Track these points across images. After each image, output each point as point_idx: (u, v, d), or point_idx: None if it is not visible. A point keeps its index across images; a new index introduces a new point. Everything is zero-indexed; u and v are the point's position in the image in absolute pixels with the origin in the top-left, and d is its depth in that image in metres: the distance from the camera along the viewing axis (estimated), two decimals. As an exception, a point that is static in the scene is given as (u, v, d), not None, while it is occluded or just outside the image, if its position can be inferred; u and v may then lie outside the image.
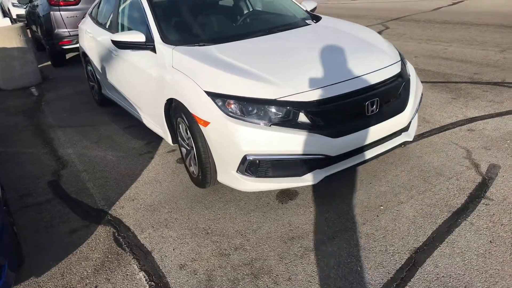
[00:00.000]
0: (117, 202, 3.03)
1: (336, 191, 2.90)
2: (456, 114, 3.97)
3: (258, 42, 3.15)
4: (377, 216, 2.60)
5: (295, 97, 2.52)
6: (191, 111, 2.75)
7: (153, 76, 3.23)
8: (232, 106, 2.56)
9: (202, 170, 2.87)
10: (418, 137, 3.57)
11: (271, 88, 2.55)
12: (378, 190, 2.87)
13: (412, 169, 3.09)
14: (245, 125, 2.50)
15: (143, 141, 4.09)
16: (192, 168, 3.13)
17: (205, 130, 2.67)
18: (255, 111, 2.53)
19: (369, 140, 2.71)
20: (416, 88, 3.05)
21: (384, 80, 2.77)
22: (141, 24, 3.57)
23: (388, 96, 2.80)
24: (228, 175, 2.68)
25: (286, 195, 2.92)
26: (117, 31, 4.06)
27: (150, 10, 3.44)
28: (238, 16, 4.04)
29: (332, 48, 3.01)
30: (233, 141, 2.52)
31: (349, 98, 2.60)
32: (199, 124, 2.70)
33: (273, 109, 2.52)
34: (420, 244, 2.31)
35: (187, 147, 3.12)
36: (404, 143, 3.00)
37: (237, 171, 2.61)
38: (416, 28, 8.50)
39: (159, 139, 4.03)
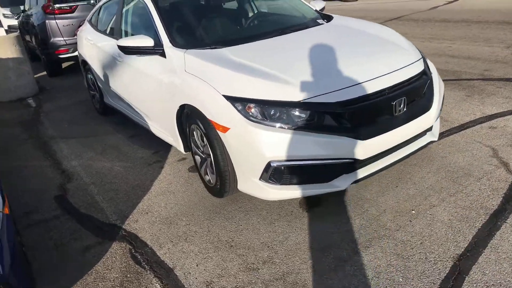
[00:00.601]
0: (130, 216, 2.86)
1: (361, 196, 2.76)
2: (474, 112, 3.85)
3: (272, 43, 3.01)
4: (410, 221, 2.45)
5: (320, 99, 2.37)
6: (208, 116, 2.59)
7: (163, 81, 3.08)
8: (253, 110, 2.41)
9: (221, 179, 2.71)
10: (439, 136, 3.43)
11: (294, 90, 2.40)
12: (406, 194, 2.73)
13: (438, 170, 2.95)
14: (268, 129, 2.35)
15: (150, 150, 3.93)
16: (208, 177, 2.97)
17: (224, 137, 2.51)
18: (278, 114, 2.39)
19: (397, 141, 2.58)
20: (439, 86, 2.93)
21: (409, 78, 2.64)
22: (147, 29, 3.42)
23: (414, 95, 2.67)
24: (250, 183, 2.52)
25: (309, 202, 2.77)
26: (121, 37, 3.90)
27: (158, 13, 3.28)
28: (245, 17, 3.91)
29: (352, 47, 2.88)
30: (256, 147, 2.37)
31: (376, 98, 2.46)
32: (218, 130, 2.54)
33: (297, 112, 2.38)
34: (462, 250, 2.16)
35: (202, 155, 2.96)
36: (430, 143, 2.87)
37: (260, 179, 2.46)
38: (416, 28, 8.43)
39: (167, 147, 3.87)
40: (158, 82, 3.16)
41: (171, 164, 3.58)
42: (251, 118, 2.40)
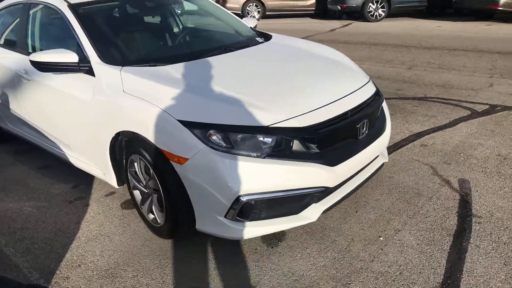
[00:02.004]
0: (57, 272, 2.31)
1: (323, 224, 2.61)
2: (403, 130, 4.01)
3: (219, 62, 2.74)
4: (382, 249, 2.36)
5: (289, 123, 2.17)
6: (158, 145, 2.22)
7: (91, 104, 2.60)
8: (215, 137, 2.11)
9: (173, 218, 2.34)
10: (381, 156, 3.48)
11: (260, 113, 2.17)
12: (368, 219, 2.65)
13: (390, 191, 2.95)
14: (236, 159, 2.07)
15: (68, 184, 3.33)
16: (152, 216, 2.55)
17: (181, 169, 2.16)
18: (244, 141, 2.12)
19: (361, 165, 2.49)
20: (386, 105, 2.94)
21: (367, 99, 2.58)
22: (66, 42, 2.90)
23: (373, 116, 2.62)
24: (213, 222, 2.20)
25: (272, 236, 2.53)
26: (27, 51, 3.27)
27: (80, 24, 2.80)
28: (175, 32, 3.57)
29: (306, 68, 2.75)
30: (222, 180, 2.07)
31: (342, 121, 2.34)
32: (172, 162, 2.18)
33: (265, 138, 2.14)
34: (442, 277, 2.12)
35: (145, 190, 2.55)
36: (382, 165, 2.85)
37: (225, 217, 2.15)
38: (323, 48, 8.80)
39: (88, 180, 3.31)
40: (83, 105, 2.67)
41: (98, 201, 3.05)
42: (214, 146, 2.09)
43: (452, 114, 4.32)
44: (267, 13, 14.10)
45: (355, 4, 12.31)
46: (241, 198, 2.07)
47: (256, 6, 14.02)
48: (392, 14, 12.51)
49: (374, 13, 12.27)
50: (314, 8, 14.20)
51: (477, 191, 2.88)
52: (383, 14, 12.28)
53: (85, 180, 3.32)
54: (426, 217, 2.62)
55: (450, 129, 3.95)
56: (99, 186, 3.25)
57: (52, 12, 3.12)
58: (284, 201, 2.17)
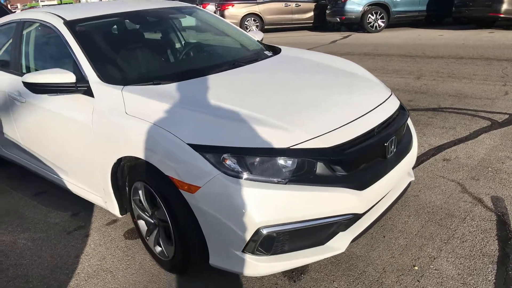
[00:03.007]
0: (54, 316, 2.05)
1: (349, 252, 2.35)
2: (421, 144, 3.78)
3: (227, 78, 2.52)
4: (418, 281, 2.10)
5: (311, 143, 1.94)
6: (166, 173, 1.98)
7: (90, 127, 2.37)
8: (229, 162, 1.87)
9: (184, 253, 2.09)
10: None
11: (279, 134, 1.94)
12: (398, 245, 2.39)
13: (417, 212, 2.70)
14: (255, 186, 1.84)
15: (66, 212, 3.08)
16: (160, 249, 2.30)
17: (192, 198, 1.92)
18: (263, 165, 1.88)
19: (390, 187, 2.25)
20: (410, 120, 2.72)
21: (392, 114, 2.36)
22: (62, 61, 2.69)
23: (400, 133, 2.39)
24: (229, 257, 1.95)
25: (294, 268, 2.26)
26: (21, 71, 3.06)
27: (77, 42, 2.58)
28: (181, 49, 3.36)
29: (323, 82, 2.54)
30: (239, 210, 1.82)
31: (370, 139, 2.11)
32: (182, 190, 1.94)
33: (285, 161, 1.90)
34: (494, 314, 1.85)
35: (151, 220, 2.30)
36: (409, 184, 2.61)
37: (243, 251, 1.90)
38: (326, 60, 8.63)
39: (88, 207, 3.07)
40: (82, 128, 2.43)
41: (99, 230, 2.80)
42: (229, 172, 1.86)
43: (472, 125, 4.10)
44: (265, 27, 14.00)
45: (354, 15, 12.20)
46: (261, 230, 1.83)
47: (255, 20, 13.93)
48: (391, 24, 12.40)
49: (373, 24, 12.15)
50: (312, 21, 14.12)
51: (513, 209, 2.64)
52: (383, 24, 12.16)
53: (85, 207, 3.07)
54: (462, 242, 2.37)
55: (472, 141, 3.72)
56: (100, 214, 3.00)
57: (47, 31, 2.92)
58: (309, 231, 1.93)
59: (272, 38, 12.32)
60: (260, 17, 13.91)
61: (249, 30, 13.62)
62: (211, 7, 14.61)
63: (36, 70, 2.88)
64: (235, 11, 13.74)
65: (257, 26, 14.01)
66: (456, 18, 11.79)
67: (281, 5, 13.83)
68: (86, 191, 2.72)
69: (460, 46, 8.57)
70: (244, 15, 13.76)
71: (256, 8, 13.84)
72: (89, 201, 2.74)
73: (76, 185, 2.79)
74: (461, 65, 6.88)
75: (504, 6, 9.66)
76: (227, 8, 13.76)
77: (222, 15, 13.53)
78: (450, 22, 12.63)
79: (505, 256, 2.23)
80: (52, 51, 2.95)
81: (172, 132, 1.96)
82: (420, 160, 3.46)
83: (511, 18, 10.00)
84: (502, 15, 9.96)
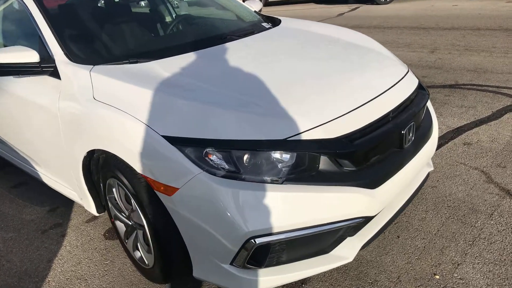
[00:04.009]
0: (16, 336, 1.77)
1: (360, 257, 2.04)
2: (439, 125, 3.39)
3: (216, 54, 2.16)
4: (440, 293, 1.78)
5: (313, 133, 1.59)
6: (139, 170, 1.65)
7: (57, 115, 2.04)
8: (214, 157, 1.54)
9: (163, 262, 1.78)
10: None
11: (274, 122, 1.59)
12: (415, 247, 2.07)
13: (436, 207, 2.36)
14: (245, 187, 1.50)
15: (43, 207, 2.79)
16: (139, 254, 2.00)
17: (169, 201, 1.60)
18: (254, 161, 1.55)
19: (407, 182, 1.90)
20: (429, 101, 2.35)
21: (410, 95, 1.99)
22: (27, 38, 2.34)
23: (419, 117, 2.03)
24: (215, 270, 1.63)
25: (294, 275, 1.96)
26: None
27: (43, 15, 2.22)
28: (169, 21, 2.98)
29: (328, 58, 2.16)
30: (226, 217, 1.50)
31: (383, 126, 1.75)
32: (157, 192, 1.62)
33: (283, 155, 1.56)
34: (534, 339, 1.54)
35: (129, 222, 1.99)
36: (428, 175, 2.26)
37: (231, 264, 1.58)
38: (332, 34, 8.16)
39: (68, 201, 2.77)
40: (48, 116, 2.10)
41: (77, 228, 2.51)
42: (214, 170, 1.52)
43: (494, 104, 3.70)
44: (269, 0, 13.40)
45: (363, -14, 11.58)
46: (252, 240, 1.50)
47: (258, -7, 13.31)
48: (402, -5, 11.77)
49: (383, -5, 11.53)
50: (319, -7, 13.48)
51: (548, 203, 2.29)
52: (393, -5, 11.53)
53: (66, 201, 2.77)
54: (490, 243, 2.04)
55: (496, 122, 3.34)
56: (80, 209, 2.70)
57: (13, 4, 2.55)
58: (311, 239, 1.60)
59: (276, 12, 11.77)
60: (264, -10, 13.29)
61: (253, 4, 13.05)
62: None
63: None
64: (238, -17, 13.13)
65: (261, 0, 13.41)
66: (471, -13, 11.13)
67: (286, -24, 13.19)
68: (60, 185, 2.41)
69: (476, 17, 8.03)
70: (247, -12, 13.15)
71: (259, -20, 13.21)
72: (65, 195, 2.44)
73: (50, 178, 2.49)
74: (478, 37, 6.38)
75: (524, -27, 9.02)
76: (230, -19, 13.15)
77: (224, -12, 12.94)
78: (464, -8, 11.96)
79: (542, 261, 1.90)
80: (20, 27, 2.59)
81: (145, 122, 1.62)
82: (437, 144, 3.09)
83: (530, -15, 9.37)
84: (521, -17, 9.33)
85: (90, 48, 2.25)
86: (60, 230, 2.51)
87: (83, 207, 2.60)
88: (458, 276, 1.87)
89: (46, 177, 2.53)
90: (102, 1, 2.71)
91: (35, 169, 2.62)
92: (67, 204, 2.75)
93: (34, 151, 2.46)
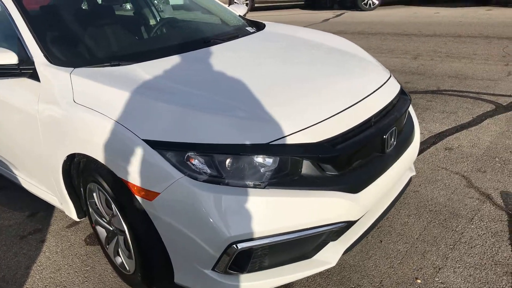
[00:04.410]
0: None
1: (342, 262, 2.04)
2: (421, 130, 3.45)
3: (199, 58, 2.15)
4: (422, 297, 1.79)
5: (296, 138, 1.59)
6: (120, 175, 1.63)
7: (37, 118, 2.00)
8: (195, 161, 1.52)
9: (144, 268, 1.75)
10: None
11: (256, 126, 1.59)
12: (397, 251, 2.08)
13: (418, 211, 2.39)
14: (226, 191, 1.49)
15: (23, 212, 2.73)
16: (120, 260, 1.97)
17: (150, 206, 1.58)
18: (237, 166, 1.54)
19: (389, 186, 1.91)
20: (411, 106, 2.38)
21: (393, 100, 2.01)
22: (5, 39, 2.29)
23: (401, 122, 2.05)
24: (196, 275, 1.62)
25: (277, 280, 1.95)
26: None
27: (22, 16, 2.18)
28: (152, 24, 2.97)
29: (311, 63, 2.17)
30: (207, 222, 1.48)
31: (366, 130, 1.76)
32: (138, 197, 1.59)
33: (265, 160, 1.55)
34: None
35: (110, 227, 1.96)
36: (410, 180, 2.29)
37: (213, 269, 1.57)
38: (318, 39, 8.22)
39: (48, 206, 2.70)
40: (27, 119, 2.06)
41: (58, 234, 2.46)
42: (195, 174, 1.51)
43: (474, 109, 3.77)
44: (255, 5, 13.44)
45: (348, -8, 11.73)
46: (234, 246, 1.49)
47: (245, -3, 13.35)
48: (386, 2, 11.96)
49: (367, 2, 11.68)
50: (304, -1, 13.60)
51: (526, 207, 2.33)
52: (377, 2, 11.70)
53: (46, 205, 2.71)
54: (471, 248, 2.06)
55: (476, 128, 3.39)
56: (61, 214, 2.65)
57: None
58: (293, 244, 1.60)
59: (262, 17, 11.81)
60: (250, -5, 13.33)
61: (239, 8, 13.07)
62: (199, -16, 13.99)
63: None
64: (224, -12, 13.13)
65: (247, 4, 13.44)
66: (452, -6, 11.40)
67: (272, -19, 13.26)
68: (40, 190, 2.36)
69: (457, 24, 8.19)
70: (233, -7, 13.17)
71: (246, -15, 13.24)
72: (45, 200, 2.39)
73: (29, 183, 2.43)
74: (459, 44, 6.51)
75: (503, -18, 9.26)
76: (216, -15, 13.14)
77: (210, -7, 12.93)
78: (446, -1, 12.22)
79: (521, 265, 1.93)
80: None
81: (125, 126, 1.60)
82: (420, 149, 3.12)
83: (509, -6, 9.62)
84: (500, -8, 9.57)
85: (70, 50, 2.22)
86: (39, 236, 2.45)
87: (64, 212, 2.55)
88: (439, 280, 1.88)
89: (25, 182, 2.48)
90: (85, 3, 2.68)
91: (14, 173, 2.56)
92: (47, 209, 2.70)
93: (13, 155, 2.40)
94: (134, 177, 1.58)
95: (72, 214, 2.17)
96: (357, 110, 1.80)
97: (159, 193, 1.53)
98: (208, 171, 1.52)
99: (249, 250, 1.52)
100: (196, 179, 1.51)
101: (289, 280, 1.66)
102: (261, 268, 1.61)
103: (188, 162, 1.52)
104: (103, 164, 1.69)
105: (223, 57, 2.15)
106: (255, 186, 1.53)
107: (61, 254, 2.28)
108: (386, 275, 1.94)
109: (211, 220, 1.48)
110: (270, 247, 1.55)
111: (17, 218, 2.67)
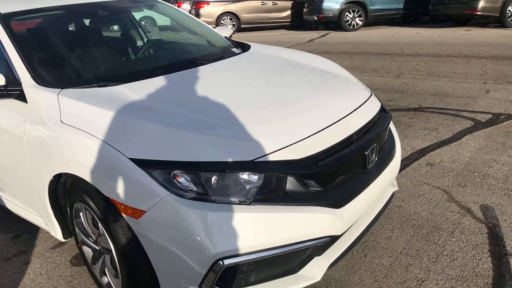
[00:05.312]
0: None
1: (328, 277, 2.06)
2: (403, 147, 3.53)
3: (185, 78, 2.20)
4: (406, 310, 1.83)
5: (280, 155, 1.64)
6: (106, 194, 1.65)
7: (23, 139, 2.01)
8: (182, 179, 1.56)
9: (131, 286, 1.75)
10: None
11: (241, 144, 1.63)
12: (381, 265, 2.12)
13: (402, 225, 2.44)
14: (213, 208, 1.52)
15: (7, 233, 2.70)
16: (106, 279, 1.97)
17: (136, 225, 1.59)
18: (222, 183, 1.57)
19: (371, 202, 1.96)
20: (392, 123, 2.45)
21: (373, 117, 2.08)
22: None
23: (382, 139, 2.12)
24: (183, 292, 1.62)
25: (263, 297, 1.96)
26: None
27: (10, 38, 2.21)
28: (139, 46, 3.02)
29: (294, 82, 2.24)
30: (193, 239, 1.51)
31: (347, 147, 1.82)
32: (125, 215, 1.61)
33: (250, 177, 1.59)
34: None
35: (96, 246, 1.96)
36: (392, 195, 2.34)
37: (200, 286, 1.58)
38: (303, 59, 8.37)
39: (33, 227, 2.68)
40: (13, 140, 2.07)
41: (42, 255, 2.44)
42: (181, 192, 1.54)
43: (454, 126, 3.88)
44: (242, 26, 13.69)
45: (332, 14, 12.02)
46: (221, 262, 1.52)
47: (231, 19, 13.59)
48: (369, 23, 12.28)
49: (351, 22, 11.99)
50: (289, 20, 13.89)
51: (505, 220, 2.40)
52: (361, 23, 12.02)
53: (30, 227, 2.68)
54: (452, 260, 2.11)
55: (456, 144, 3.49)
56: (46, 235, 2.63)
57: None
58: (279, 259, 1.62)
59: (248, 37, 12.02)
60: (237, 16, 13.58)
61: (225, 29, 13.26)
62: (186, 6, 14.21)
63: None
64: (211, 9, 13.36)
65: (233, 25, 13.67)
66: (432, 16, 11.78)
67: (257, 3, 13.54)
68: (25, 210, 2.35)
69: (438, 44, 8.45)
70: (220, 14, 13.41)
71: (232, 7, 13.50)
72: (29, 221, 2.38)
73: (14, 204, 2.42)
74: (440, 63, 6.71)
75: (481, 4, 9.59)
76: (203, 7, 13.36)
77: (197, 14, 13.14)
78: (427, 20, 12.61)
79: (500, 276, 1.98)
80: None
81: (112, 145, 1.63)
82: (402, 164, 3.21)
83: (487, 15, 9.96)
84: (478, 13, 9.90)
85: (58, 72, 2.25)
86: (24, 258, 2.43)
87: (49, 233, 2.53)
88: (422, 293, 1.92)
89: (9, 203, 2.47)
90: (72, 25, 2.73)
91: (-2, 194, 2.54)
92: (31, 230, 2.68)
93: (-2, 176, 2.40)
94: (120, 195, 1.60)
95: (58, 234, 2.16)
96: (339, 127, 1.86)
97: (145, 211, 1.55)
98: (194, 188, 1.55)
99: (235, 266, 1.54)
100: (182, 196, 1.54)
101: (275, 296, 1.67)
102: (247, 284, 1.63)
103: (174, 180, 1.56)
104: (89, 183, 1.70)
105: (209, 78, 2.20)
106: (240, 203, 1.56)
107: (45, 275, 2.26)
108: (371, 289, 1.97)
109: (197, 237, 1.50)
110: (256, 263, 1.58)
111: (0, 240, 2.64)
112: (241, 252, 1.53)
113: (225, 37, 3.17)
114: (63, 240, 2.20)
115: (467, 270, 2.04)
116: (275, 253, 1.58)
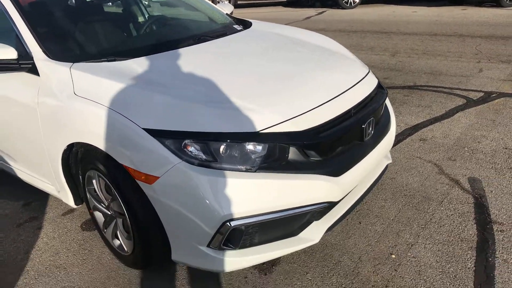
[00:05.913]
0: (-2, 322, 1.84)
1: (325, 241, 2.22)
2: (397, 123, 3.67)
3: (190, 54, 2.29)
4: (396, 270, 1.99)
5: (283, 127, 1.75)
6: (120, 161, 1.76)
7: (36, 110, 2.11)
8: (192, 148, 1.67)
9: (143, 248, 1.90)
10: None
11: (247, 116, 1.74)
12: (374, 231, 2.28)
13: (394, 196, 2.59)
14: (220, 174, 1.64)
15: (18, 201, 2.82)
16: (118, 242, 2.10)
17: (150, 189, 1.72)
18: (230, 152, 1.69)
19: (368, 171, 2.10)
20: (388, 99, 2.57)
21: (370, 93, 2.19)
22: (3, 35, 2.38)
23: (379, 113, 2.24)
24: (192, 252, 1.77)
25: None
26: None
27: (19, 12, 2.27)
28: (141, 21, 3.08)
29: (296, 59, 2.34)
30: (203, 202, 1.64)
31: (346, 120, 1.94)
32: (138, 180, 1.73)
33: (256, 147, 1.71)
34: (475, 305, 1.76)
35: (108, 211, 2.09)
36: (386, 167, 2.48)
37: (208, 246, 1.72)
38: (300, 36, 8.40)
39: (42, 195, 2.81)
40: (27, 111, 2.17)
41: (54, 221, 2.57)
42: (192, 160, 1.66)
43: (447, 103, 4.01)
44: (238, 2, 13.55)
45: (329, -10, 11.95)
46: (228, 223, 1.65)
47: (227, -6, 13.43)
48: (366, 0, 12.23)
49: (348, 0, 11.94)
50: (286, -4, 13.78)
51: (491, 191, 2.56)
52: (358, 0, 11.97)
53: (39, 195, 2.81)
54: (440, 227, 2.27)
55: (448, 120, 3.63)
56: (55, 203, 2.75)
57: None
58: (281, 222, 1.76)
59: (245, 14, 11.94)
60: (233, -8, 13.42)
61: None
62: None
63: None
64: (207, -16, 13.19)
65: (229, 2, 13.53)
66: (429, -6, 11.75)
67: (254, -21, 13.39)
68: (37, 179, 2.47)
69: (434, 23, 8.50)
70: (216, -11, 13.24)
71: (228, -18, 13.32)
72: (42, 190, 2.49)
73: (26, 173, 2.53)
74: (435, 42, 6.79)
75: (478, -18, 9.61)
76: (198, -18, 13.18)
77: (193, -11, 12.96)
78: (423, -2, 12.58)
79: (484, 241, 2.14)
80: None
81: (126, 116, 1.74)
82: (396, 140, 3.34)
83: (484, -6, 9.99)
84: (475, -9, 9.92)
85: (68, 46, 2.33)
86: (36, 223, 2.56)
87: (58, 201, 2.66)
88: (411, 255, 2.08)
89: (21, 173, 2.57)
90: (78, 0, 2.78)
91: (9, 164, 2.65)
92: (41, 198, 2.80)
93: (12, 147, 2.49)
94: (134, 163, 1.72)
95: (70, 201, 2.29)
96: (338, 102, 1.98)
97: (158, 177, 1.67)
98: (204, 157, 1.67)
99: (241, 228, 1.67)
100: (192, 164, 1.65)
101: (277, 256, 1.83)
102: (252, 244, 1.77)
103: (185, 149, 1.67)
104: (104, 151, 1.82)
105: (213, 53, 2.30)
106: (246, 170, 1.68)
107: (58, 239, 2.39)
108: (364, 252, 2.12)
109: (207, 200, 1.63)
110: (260, 225, 1.71)
111: (11, 207, 2.76)
112: (247, 214, 1.66)
113: (227, 13, 3.23)
114: (74, 207, 2.33)
115: (453, 235, 2.20)
116: (277, 216, 1.71)
